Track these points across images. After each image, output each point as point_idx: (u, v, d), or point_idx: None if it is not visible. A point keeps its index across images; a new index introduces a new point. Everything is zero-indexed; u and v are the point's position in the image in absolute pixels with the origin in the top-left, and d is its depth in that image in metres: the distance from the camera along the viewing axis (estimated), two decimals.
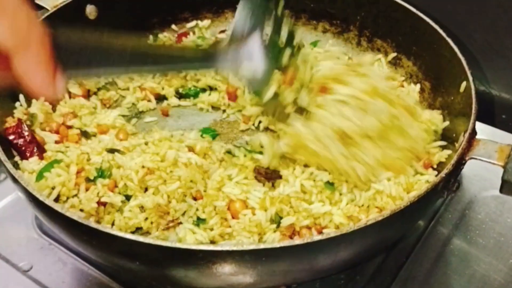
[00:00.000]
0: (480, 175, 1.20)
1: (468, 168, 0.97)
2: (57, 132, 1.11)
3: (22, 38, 0.48)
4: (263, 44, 0.96)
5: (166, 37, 1.35)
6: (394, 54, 1.29)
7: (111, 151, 1.07)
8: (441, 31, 1.16)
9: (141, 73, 0.83)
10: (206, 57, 0.91)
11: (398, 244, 1.08)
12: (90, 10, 1.25)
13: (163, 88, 1.28)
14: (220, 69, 0.96)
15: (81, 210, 0.98)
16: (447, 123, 1.10)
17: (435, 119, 1.10)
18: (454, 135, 1.08)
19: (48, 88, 0.52)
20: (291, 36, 1.02)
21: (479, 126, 1.25)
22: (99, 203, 0.99)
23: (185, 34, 1.36)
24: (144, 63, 0.79)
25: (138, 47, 0.81)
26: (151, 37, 1.35)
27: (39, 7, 1.21)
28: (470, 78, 1.05)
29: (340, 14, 1.35)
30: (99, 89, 1.25)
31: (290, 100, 1.01)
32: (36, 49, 0.49)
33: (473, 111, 0.98)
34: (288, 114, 1.01)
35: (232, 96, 1.24)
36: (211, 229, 0.96)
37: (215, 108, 1.27)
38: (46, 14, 1.17)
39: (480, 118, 1.07)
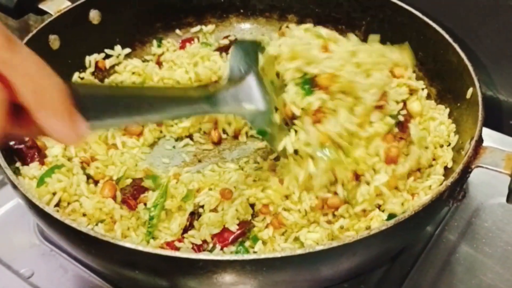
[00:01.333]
0: (487, 182, 1.18)
1: (475, 175, 0.95)
2: None
3: (45, 98, 0.54)
4: (259, 82, 0.98)
5: (169, 43, 1.34)
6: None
7: None
8: (447, 37, 1.14)
9: (147, 121, 0.89)
10: (207, 100, 0.92)
11: (403, 253, 1.06)
12: (94, 15, 1.24)
13: None
14: (221, 112, 0.99)
15: (84, 215, 0.98)
16: (456, 137, 1.09)
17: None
18: (460, 142, 1.07)
19: (70, 138, 0.58)
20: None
21: (487, 132, 1.24)
22: None
23: (189, 40, 1.35)
24: (151, 110, 0.81)
25: (144, 94, 0.84)
26: (154, 42, 1.34)
27: (43, 12, 1.21)
28: (477, 85, 1.03)
29: (345, 18, 1.33)
30: None
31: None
32: (57, 106, 0.55)
33: (480, 118, 0.97)
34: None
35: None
36: None
37: None
38: (49, 19, 1.17)
39: (488, 124, 1.05)
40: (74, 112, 0.57)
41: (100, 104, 0.67)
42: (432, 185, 1.00)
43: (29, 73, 0.53)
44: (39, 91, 0.54)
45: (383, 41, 1.29)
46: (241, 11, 1.40)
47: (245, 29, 1.40)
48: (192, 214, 0.99)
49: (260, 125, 0.98)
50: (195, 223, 0.99)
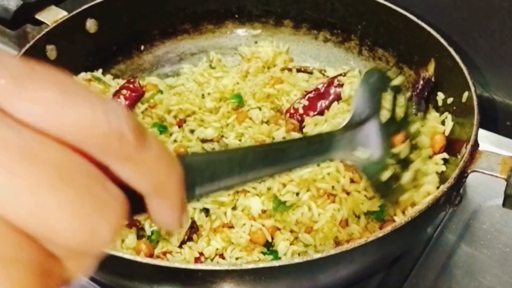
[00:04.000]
0: (485, 184, 1.18)
1: (473, 177, 0.95)
2: None
3: (162, 185, 0.45)
4: (379, 127, 0.91)
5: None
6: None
7: None
8: (442, 40, 1.14)
9: (260, 178, 0.76)
10: (322, 148, 0.81)
11: (402, 257, 1.07)
12: (91, 24, 1.25)
13: None
14: (335, 157, 0.87)
15: None
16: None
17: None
18: (456, 144, 1.07)
19: (176, 225, 0.49)
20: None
21: (484, 133, 1.24)
22: None
23: None
24: (262, 166, 0.69)
25: (256, 151, 0.72)
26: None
27: (40, 22, 1.21)
28: (472, 88, 1.03)
29: (341, 23, 1.34)
30: None
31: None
32: (172, 195, 0.47)
33: (475, 122, 0.97)
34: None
35: None
36: None
37: None
38: (46, 30, 1.17)
39: (485, 125, 1.06)
40: (185, 203, 0.50)
41: (209, 172, 0.58)
42: (428, 190, 1.00)
43: (153, 169, 0.45)
44: (159, 185, 0.46)
45: (378, 45, 1.32)
46: (236, 16, 1.41)
47: (241, 35, 1.41)
48: (191, 227, 0.99)
49: (372, 174, 0.90)
50: (194, 236, 0.99)
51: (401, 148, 0.95)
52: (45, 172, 0.34)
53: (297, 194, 0.99)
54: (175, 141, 1.14)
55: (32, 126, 0.35)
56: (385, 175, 0.91)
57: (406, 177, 0.95)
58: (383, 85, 0.95)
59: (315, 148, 0.80)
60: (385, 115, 0.93)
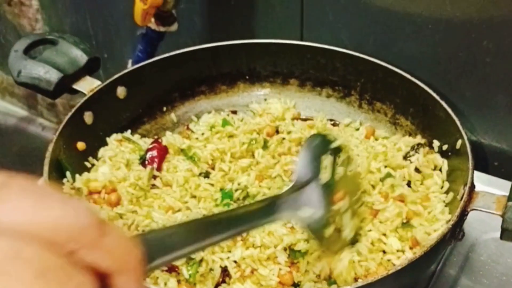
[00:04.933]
0: (480, 219, 1.28)
1: (469, 214, 1.07)
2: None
3: (123, 264, 0.54)
4: (320, 187, 0.99)
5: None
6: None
7: None
8: (434, 95, 1.28)
9: (216, 244, 0.81)
10: (269, 211, 0.89)
11: None
12: (121, 91, 1.39)
13: None
14: (281, 218, 0.95)
15: None
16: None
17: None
18: (453, 185, 1.20)
19: None
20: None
21: (476, 174, 1.36)
22: None
23: None
24: (216, 233, 0.76)
25: (209, 221, 0.81)
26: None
27: (76, 91, 1.35)
28: (465, 137, 1.16)
29: (341, 81, 1.48)
30: None
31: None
32: (132, 271, 0.55)
33: (470, 166, 1.10)
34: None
35: None
36: None
37: None
38: (85, 98, 1.31)
39: (476, 166, 1.19)
40: (144, 273, 0.58)
41: (167, 244, 0.66)
42: (436, 228, 1.13)
43: (115, 251, 0.53)
44: (121, 264, 0.54)
45: (376, 99, 1.46)
46: (247, 77, 1.55)
47: (252, 94, 1.55)
48: (224, 270, 1.08)
49: (315, 231, 0.97)
50: (227, 279, 1.08)
51: (340, 205, 1.03)
52: (27, 270, 0.42)
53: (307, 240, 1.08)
54: None
55: (14, 229, 0.43)
56: (328, 232, 0.99)
57: (346, 232, 1.04)
58: (323, 148, 1.04)
59: (263, 211, 0.88)
60: (324, 176, 1.01)
